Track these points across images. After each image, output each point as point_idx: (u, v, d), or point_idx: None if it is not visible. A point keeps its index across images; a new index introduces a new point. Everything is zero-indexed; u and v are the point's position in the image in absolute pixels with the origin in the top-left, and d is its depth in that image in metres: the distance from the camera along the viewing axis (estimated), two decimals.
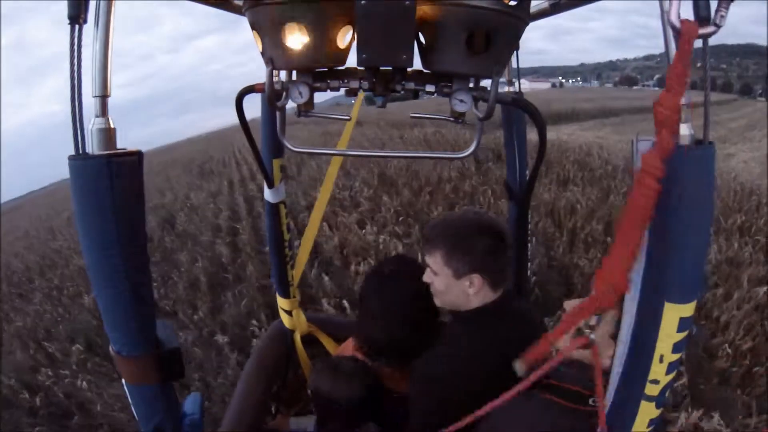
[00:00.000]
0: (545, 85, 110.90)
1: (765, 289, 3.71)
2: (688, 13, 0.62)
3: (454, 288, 1.21)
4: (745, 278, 3.91)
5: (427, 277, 1.26)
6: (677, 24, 0.60)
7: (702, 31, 0.60)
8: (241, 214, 7.29)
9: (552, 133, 14.82)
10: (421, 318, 1.40)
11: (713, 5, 0.60)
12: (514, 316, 1.27)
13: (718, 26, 0.60)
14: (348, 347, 1.57)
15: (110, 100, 0.71)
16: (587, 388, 0.96)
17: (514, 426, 1.03)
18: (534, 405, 1.04)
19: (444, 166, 7.49)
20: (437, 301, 1.27)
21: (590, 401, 0.96)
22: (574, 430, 0.97)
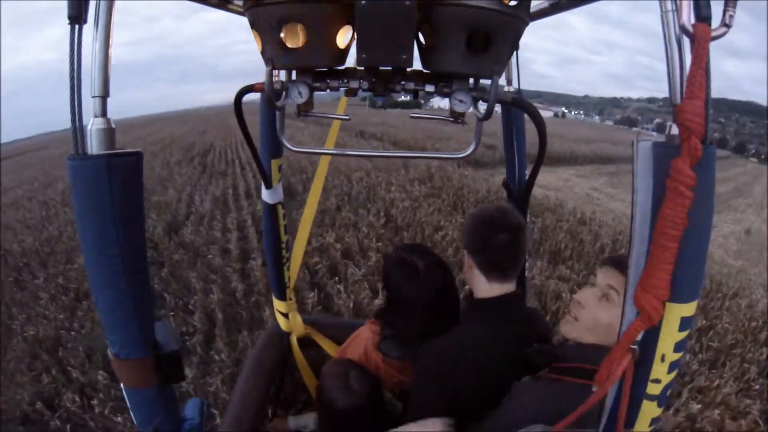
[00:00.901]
0: (548, 113, 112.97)
1: None
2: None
3: (468, 269, 1.30)
4: None
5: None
6: (690, 28, 0.60)
7: (714, 33, 0.59)
8: (250, 239, 6.96)
9: (551, 176, 15.22)
10: (448, 308, 1.43)
11: (713, 5, 0.61)
12: (521, 315, 1.30)
13: (729, 26, 0.60)
14: (362, 336, 1.57)
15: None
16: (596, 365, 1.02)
17: (524, 407, 1.06)
18: (541, 385, 1.08)
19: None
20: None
21: (593, 389, 0.99)
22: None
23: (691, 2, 0.59)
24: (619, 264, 1.10)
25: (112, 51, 0.69)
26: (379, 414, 1.36)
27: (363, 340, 1.54)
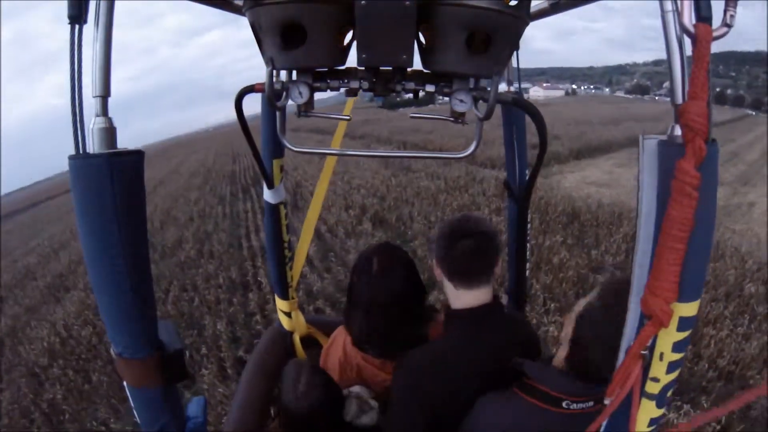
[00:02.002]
0: (559, 92, 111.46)
1: None
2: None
3: (439, 278, 1.29)
4: None
5: None
6: (691, 29, 0.59)
7: (716, 33, 0.59)
8: None
9: (594, 170, 15.12)
10: (408, 310, 1.41)
11: (714, 5, 0.60)
12: (498, 325, 1.27)
13: (730, 26, 0.60)
14: (340, 337, 1.55)
15: (114, 93, 0.71)
16: (561, 392, 1.00)
17: (495, 423, 1.06)
18: (501, 400, 1.09)
19: None
20: None
21: (563, 404, 1.00)
22: (544, 429, 1.00)
23: (692, 3, 0.59)
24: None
25: (111, 51, 0.69)
26: (333, 420, 1.32)
27: (341, 340, 1.53)
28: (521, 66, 1.44)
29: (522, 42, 0.98)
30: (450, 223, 1.28)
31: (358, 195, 10.29)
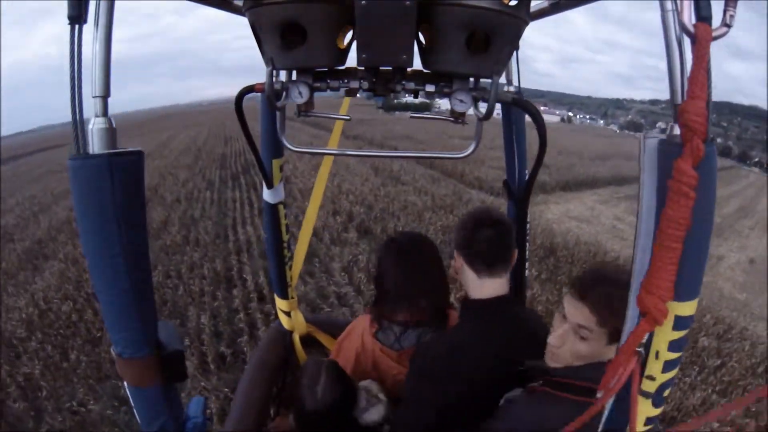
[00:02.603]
0: (555, 118, 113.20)
1: None
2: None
3: (459, 269, 1.32)
4: None
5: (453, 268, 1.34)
6: (691, 28, 0.59)
7: (715, 33, 0.59)
8: None
9: (577, 203, 15.59)
10: (432, 295, 1.44)
11: (713, 5, 0.60)
12: (513, 317, 1.30)
13: (729, 26, 0.60)
14: (358, 328, 1.56)
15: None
16: (596, 382, 0.99)
17: (521, 422, 1.06)
18: (536, 399, 1.08)
19: None
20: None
21: (598, 394, 1.00)
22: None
23: (692, 2, 0.59)
24: (585, 297, 1.03)
25: (112, 51, 0.69)
26: (347, 421, 1.33)
27: (359, 331, 1.54)
28: (521, 66, 1.45)
29: (524, 60, 0.97)
30: (472, 215, 1.32)
31: (346, 201, 10.38)
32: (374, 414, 1.35)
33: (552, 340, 1.07)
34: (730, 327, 6.58)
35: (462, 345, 1.22)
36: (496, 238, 1.27)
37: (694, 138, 0.59)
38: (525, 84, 1.46)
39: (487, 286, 1.27)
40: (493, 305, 1.26)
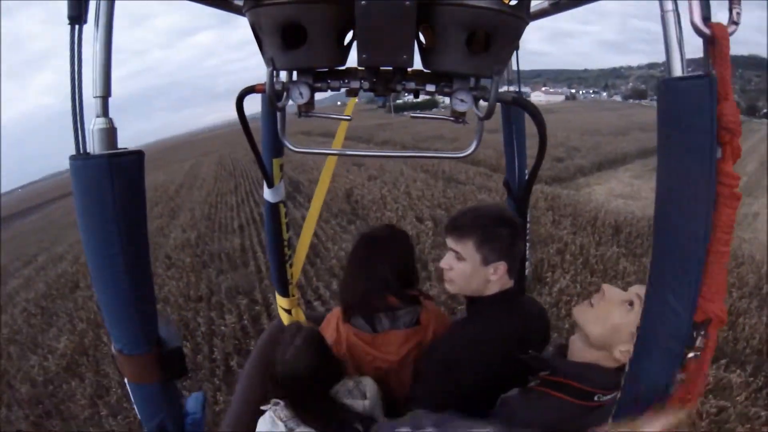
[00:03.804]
0: (560, 98, 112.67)
1: None
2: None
3: (478, 274, 1.24)
4: None
5: (447, 262, 1.28)
6: (704, 29, 0.59)
7: (729, 31, 0.59)
8: None
9: (615, 182, 15.85)
10: (396, 286, 1.45)
11: (714, 5, 0.60)
12: (525, 306, 1.34)
13: (737, 23, 0.60)
14: (333, 318, 1.58)
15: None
16: (595, 386, 1.01)
17: (512, 420, 1.06)
18: (529, 398, 1.09)
19: None
20: (452, 287, 1.29)
21: (595, 398, 1.01)
22: (575, 418, 1.01)
23: (700, 3, 0.59)
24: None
25: (112, 52, 0.69)
26: (321, 396, 1.31)
27: (334, 318, 1.56)
28: (520, 67, 1.45)
29: (521, 42, 0.98)
30: (498, 213, 1.32)
31: (423, 206, 10.32)
32: (355, 405, 1.33)
33: (598, 295, 1.11)
34: None
35: (480, 336, 1.25)
36: (518, 236, 1.30)
37: (733, 139, 0.59)
38: (521, 65, 1.47)
39: (505, 281, 1.29)
40: (506, 297, 1.29)
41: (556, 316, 5.10)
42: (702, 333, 0.68)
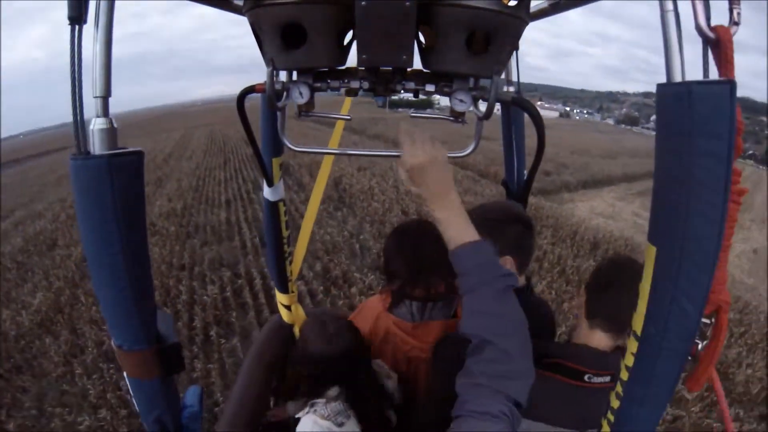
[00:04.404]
0: (554, 114, 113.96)
1: None
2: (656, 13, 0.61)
3: None
4: None
5: None
6: (708, 32, 0.59)
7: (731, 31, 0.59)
8: None
9: (598, 201, 16.29)
10: (441, 270, 1.40)
11: (713, 5, 0.60)
12: (530, 300, 1.34)
13: (738, 24, 0.60)
14: (368, 309, 1.58)
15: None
16: (584, 365, 1.04)
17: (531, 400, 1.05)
18: (546, 385, 1.07)
19: None
20: None
21: (585, 377, 1.04)
22: (570, 400, 1.04)
23: (704, 5, 0.59)
24: None
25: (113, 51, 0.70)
26: (356, 369, 1.32)
27: (372, 308, 1.55)
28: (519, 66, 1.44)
29: (521, 41, 0.98)
30: (506, 210, 1.33)
31: (409, 201, 10.35)
32: (388, 385, 1.36)
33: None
34: (747, 304, 7.65)
35: None
36: (527, 235, 1.31)
37: (737, 138, 0.61)
38: (520, 79, 1.46)
39: (521, 280, 1.30)
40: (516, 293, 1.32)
41: None
42: (711, 322, 0.73)
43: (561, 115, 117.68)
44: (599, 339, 1.09)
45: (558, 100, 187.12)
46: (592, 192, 17.93)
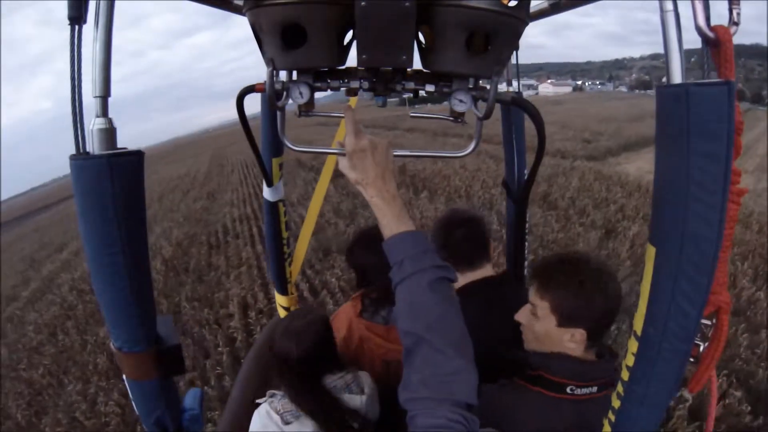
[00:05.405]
0: (567, 89, 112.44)
1: None
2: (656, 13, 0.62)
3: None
4: None
5: None
6: (709, 32, 0.59)
7: (731, 31, 0.59)
8: None
9: (642, 162, 16.14)
10: None
11: (713, 5, 0.60)
12: (509, 290, 1.36)
13: (737, 24, 0.61)
14: (342, 314, 1.58)
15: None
16: (565, 377, 1.03)
17: (493, 407, 1.06)
18: (511, 391, 1.10)
19: None
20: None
21: (567, 389, 1.03)
22: (551, 415, 1.03)
23: (704, 5, 0.59)
24: (535, 276, 1.13)
25: (112, 51, 0.69)
26: (315, 381, 1.29)
27: (345, 314, 1.57)
28: (521, 62, 1.46)
29: (521, 41, 0.98)
30: (443, 218, 1.40)
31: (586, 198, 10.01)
32: (353, 401, 1.30)
33: (518, 317, 1.15)
34: None
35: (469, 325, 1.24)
36: (468, 236, 1.36)
37: (736, 138, 0.61)
38: (522, 59, 1.46)
39: (469, 277, 1.35)
40: (487, 284, 1.33)
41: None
42: (711, 323, 0.73)
43: (574, 89, 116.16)
44: (577, 347, 1.07)
45: (565, 75, 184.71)
46: (633, 154, 18.02)
